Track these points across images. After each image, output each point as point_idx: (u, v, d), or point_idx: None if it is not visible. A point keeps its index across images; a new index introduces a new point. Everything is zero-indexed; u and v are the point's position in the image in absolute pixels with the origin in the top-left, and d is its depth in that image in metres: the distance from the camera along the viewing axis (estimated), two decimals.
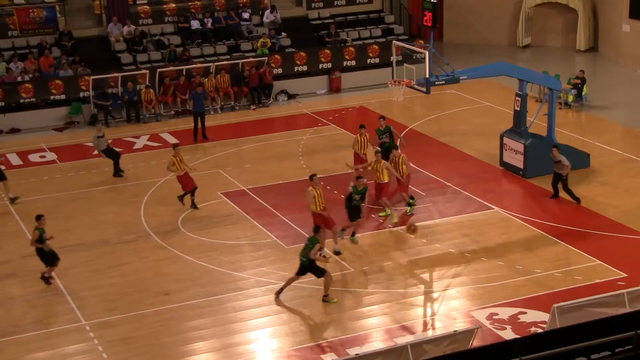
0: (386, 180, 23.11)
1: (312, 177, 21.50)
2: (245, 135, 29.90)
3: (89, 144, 29.47)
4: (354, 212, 21.63)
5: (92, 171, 27.14)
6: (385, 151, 24.04)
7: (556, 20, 40.64)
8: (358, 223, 21.81)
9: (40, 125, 31.21)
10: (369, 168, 23.45)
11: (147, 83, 32.06)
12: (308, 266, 19.04)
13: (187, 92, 32.24)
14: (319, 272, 19.10)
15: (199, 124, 29.75)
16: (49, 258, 20.29)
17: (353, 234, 21.98)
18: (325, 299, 19.12)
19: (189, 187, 24.11)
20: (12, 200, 24.90)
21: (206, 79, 32.26)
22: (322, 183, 23.44)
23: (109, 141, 27.15)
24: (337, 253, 21.26)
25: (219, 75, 32.76)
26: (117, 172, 26.66)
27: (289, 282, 19.43)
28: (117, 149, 27.33)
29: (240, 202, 24.36)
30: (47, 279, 20.33)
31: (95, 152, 27.24)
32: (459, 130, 29.85)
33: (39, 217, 20.46)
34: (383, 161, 22.98)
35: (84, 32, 34.40)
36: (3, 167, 25.96)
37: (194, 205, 24.12)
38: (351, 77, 35.15)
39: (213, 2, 36.34)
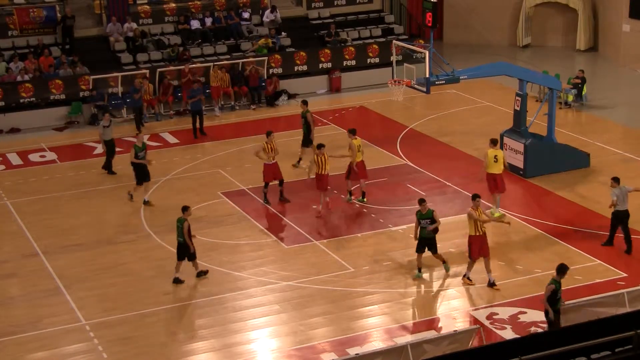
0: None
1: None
2: (245, 135, 29.89)
3: (89, 143, 29.56)
4: (421, 243, 19.98)
5: (92, 171, 27.13)
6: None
7: (556, 20, 40.64)
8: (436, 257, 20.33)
9: (40, 125, 31.19)
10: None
11: (146, 75, 31.99)
12: None
13: (181, 78, 32.34)
14: None
15: (197, 122, 29.86)
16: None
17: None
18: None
19: (273, 178, 23.94)
20: (145, 203, 24.41)
21: (210, 71, 32.37)
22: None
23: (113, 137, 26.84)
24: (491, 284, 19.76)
25: (219, 72, 32.69)
26: (109, 168, 26.62)
27: None
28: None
29: (240, 202, 24.35)
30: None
31: (98, 150, 27.22)
32: (459, 130, 29.85)
33: (185, 209, 20.31)
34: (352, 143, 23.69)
35: (84, 32, 34.40)
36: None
37: (282, 198, 24.12)
38: (351, 77, 35.14)
39: (213, 2, 36.34)
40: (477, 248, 19.42)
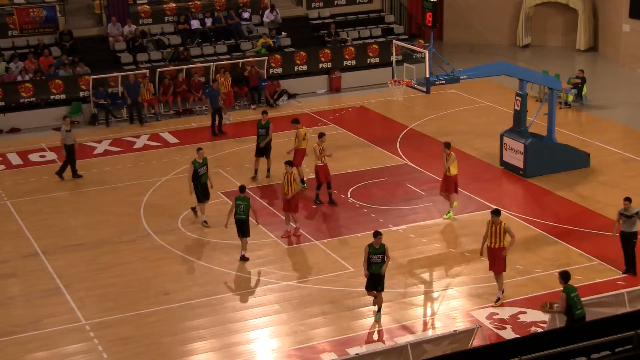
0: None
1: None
2: (245, 134, 29.88)
3: (89, 143, 29.56)
4: (371, 280, 18.49)
5: (92, 171, 27.14)
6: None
7: (556, 20, 40.64)
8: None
9: (40, 125, 31.18)
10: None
11: (146, 75, 32.00)
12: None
13: (181, 86, 32.32)
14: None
15: (217, 120, 29.93)
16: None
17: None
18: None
19: (324, 179, 23.85)
20: (204, 223, 22.93)
21: (217, 74, 32.35)
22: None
23: (76, 143, 26.45)
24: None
25: (218, 75, 32.74)
26: (60, 173, 26.22)
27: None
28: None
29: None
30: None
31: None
32: (459, 130, 29.84)
33: (243, 189, 21.31)
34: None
35: (84, 32, 34.40)
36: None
37: (331, 200, 23.99)
38: (351, 77, 35.14)
39: (213, 1, 36.34)
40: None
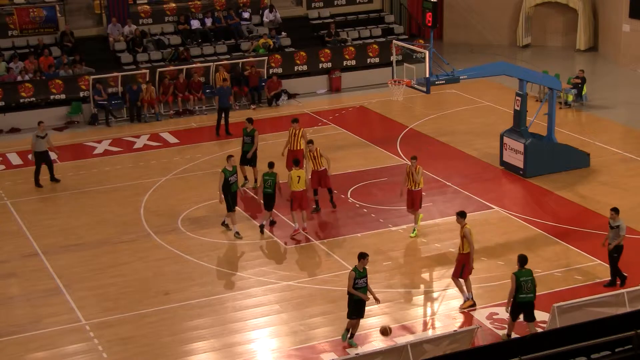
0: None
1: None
2: None
3: (89, 143, 29.56)
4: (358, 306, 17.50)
5: (93, 171, 27.14)
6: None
7: (556, 20, 40.64)
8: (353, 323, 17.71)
9: None
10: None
11: (147, 79, 32.05)
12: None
13: (184, 91, 32.35)
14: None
15: (222, 119, 29.84)
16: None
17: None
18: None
19: (320, 184, 23.64)
20: (236, 235, 22.40)
21: (229, 74, 32.34)
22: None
23: (50, 147, 26.10)
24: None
25: (217, 74, 32.76)
26: (38, 181, 25.87)
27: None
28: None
29: (240, 202, 24.33)
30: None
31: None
32: (459, 130, 29.85)
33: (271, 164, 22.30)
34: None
35: (84, 32, 34.40)
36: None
37: (332, 203, 23.80)
38: (351, 77, 35.14)
39: (213, 2, 36.34)
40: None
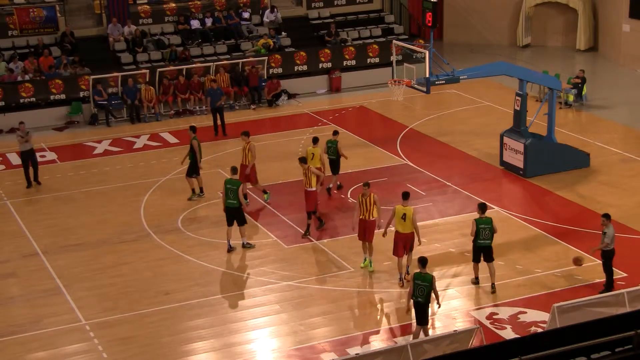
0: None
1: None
2: None
3: (89, 143, 29.57)
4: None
5: (93, 171, 27.15)
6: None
7: (556, 20, 40.64)
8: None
9: (40, 125, 31.17)
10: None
11: (147, 80, 32.08)
12: None
13: (186, 92, 32.39)
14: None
15: (218, 120, 29.85)
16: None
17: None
18: None
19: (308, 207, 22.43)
20: (247, 245, 21.82)
21: (217, 75, 32.31)
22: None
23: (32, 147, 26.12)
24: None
25: (218, 74, 32.79)
26: (29, 181, 25.84)
27: None
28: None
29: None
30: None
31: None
32: (459, 130, 29.85)
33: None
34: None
35: (84, 32, 34.41)
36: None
37: (306, 233, 22.45)
38: (351, 77, 35.14)
39: (213, 2, 36.35)
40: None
